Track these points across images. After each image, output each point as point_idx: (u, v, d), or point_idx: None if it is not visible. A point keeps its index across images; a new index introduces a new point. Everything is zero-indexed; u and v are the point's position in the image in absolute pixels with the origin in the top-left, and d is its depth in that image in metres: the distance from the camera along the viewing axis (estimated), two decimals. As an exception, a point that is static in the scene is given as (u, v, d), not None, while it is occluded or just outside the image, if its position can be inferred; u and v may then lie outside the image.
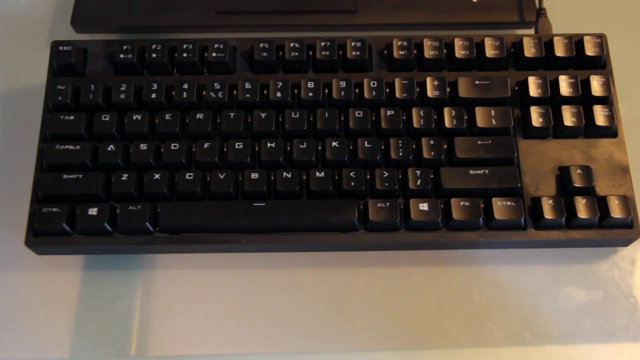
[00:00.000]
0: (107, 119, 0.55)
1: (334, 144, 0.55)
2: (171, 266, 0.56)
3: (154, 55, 0.57)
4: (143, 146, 0.55)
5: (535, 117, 0.56)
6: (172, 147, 0.55)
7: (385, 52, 0.59)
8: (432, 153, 0.55)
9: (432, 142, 0.55)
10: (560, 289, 0.55)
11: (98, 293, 0.55)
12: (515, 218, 0.53)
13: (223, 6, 0.64)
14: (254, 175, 0.54)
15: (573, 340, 0.53)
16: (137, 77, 0.58)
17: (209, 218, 0.53)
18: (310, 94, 0.57)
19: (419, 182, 0.54)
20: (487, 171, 0.54)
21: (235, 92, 0.57)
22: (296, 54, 0.58)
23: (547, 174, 0.55)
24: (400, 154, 0.55)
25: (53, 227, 0.52)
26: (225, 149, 0.55)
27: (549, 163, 0.55)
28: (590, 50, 0.58)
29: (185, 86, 0.57)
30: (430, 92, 0.57)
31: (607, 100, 0.57)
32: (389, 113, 0.56)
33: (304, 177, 0.54)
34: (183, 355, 0.53)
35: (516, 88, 0.58)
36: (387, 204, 0.53)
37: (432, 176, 0.54)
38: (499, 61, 0.58)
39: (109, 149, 0.55)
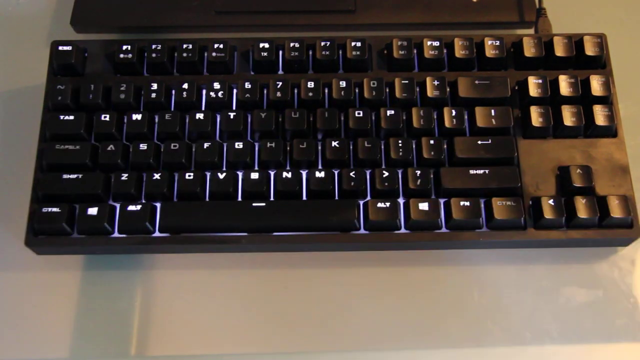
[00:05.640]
0: (107, 119, 0.55)
1: (334, 144, 0.55)
2: (171, 266, 0.56)
3: (153, 55, 0.57)
4: (143, 146, 0.55)
5: (535, 117, 0.56)
6: (172, 147, 0.55)
7: (385, 52, 0.59)
8: (432, 153, 0.55)
9: (432, 142, 0.55)
10: (560, 289, 0.55)
11: (98, 293, 0.55)
12: (515, 218, 0.53)
13: (223, 6, 0.64)
14: (254, 175, 0.54)
15: (573, 340, 0.53)
16: (136, 77, 0.58)
17: (209, 218, 0.53)
18: (310, 94, 0.57)
19: (419, 182, 0.54)
20: (487, 171, 0.54)
21: (235, 92, 0.57)
22: (296, 53, 0.58)
23: (547, 173, 0.55)
24: (400, 153, 0.55)
25: (53, 227, 0.52)
26: (225, 149, 0.55)
27: (549, 163, 0.55)
28: (590, 50, 0.58)
29: (185, 86, 0.57)
30: (430, 92, 0.57)
31: (607, 100, 0.57)
32: (389, 113, 0.56)
33: (304, 177, 0.54)
34: (183, 355, 0.53)
35: (516, 88, 0.58)
36: (387, 203, 0.53)
37: (432, 176, 0.54)
38: (499, 61, 0.58)
39: (108, 149, 0.55)
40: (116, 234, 0.53)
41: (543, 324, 0.54)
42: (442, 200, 0.54)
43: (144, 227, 0.53)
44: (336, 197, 0.54)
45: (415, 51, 0.58)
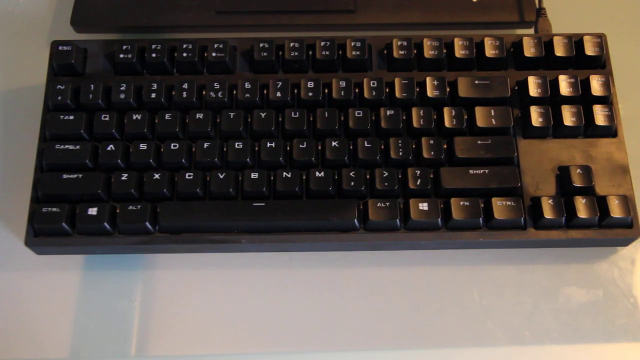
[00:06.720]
0: (107, 119, 0.55)
1: (334, 144, 0.55)
2: (171, 266, 0.56)
3: (153, 55, 0.57)
4: (143, 146, 0.55)
5: (535, 116, 0.56)
6: (172, 147, 0.55)
7: (385, 52, 0.59)
8: (432, 153, 0.55)
9: (432, 142, 0.55)
10: (560, 289, 0.55)
11: (98, 293, 0.55)
12: (515, 218, 0.53)
13: (223, 6, 0.64)
14: (254, 175, 0.54)
15: (573, 340, 0.53)
16: (137, 77, 0.58)
17: (209, 218, 0.53)
18: (310, 94, 0.57)
19: (418, 182, 0.54)
20: (487, 171, 0.54)
21: (235, 92, 0.57)
22: (296, 53, 0.58)
23: (547, 173, 0.55)
24: (400, 153, 0.55)
25: (53, 227, 0.52)
26: (225, 149, 0.55)
27: (548, 163, 0.55)
28: (590, 50, 0.58)
29: (185, 86, 0.57)
30: (430, 92, 0.57)
31: (607, 100, 0.57)
32: (388, 113, 0.56)
33: (304, 177, 0.54)
34: (183, 355, 0.53)
35: (516, 88, 0.58)
36: (387, 203, 0.53)
37: (432, 176, 0.54)
38: (498, 61, 0.58)
39: (108, 149, 0.55)
40: (116, 234, 0.53)
41: (543, 324, 0.54)
42: (441, 201, 0.54)
43: (144, 227, 0.53)
44: (336, 197, 0.54)
45: (415, 51, 0.58)
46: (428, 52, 0.58)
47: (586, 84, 0.57)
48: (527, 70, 0.58)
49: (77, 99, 0.57)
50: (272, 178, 0.54)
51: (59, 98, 0.56)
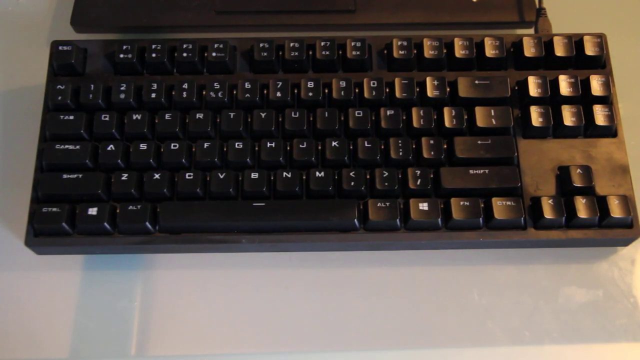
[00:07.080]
0: (107, 118, 0.55)
1: (334, 144, 0.55)
2: (171, 266, 0.56)
3: (153, 55, 0.57)
4: (143, 146, 0.55)
5: (535, 116, 0.56)
6: (172, 147, 0.55)
7: (385, 52, 0.59)
8: (432, 153, 0.55)
9: (432, 142, 0.55)
10: (560, 289, 0.55)
11: (98, 293, 0.55)
12: (515, 218, 0.53)
13: (223, 6, 0.64)
14: (254, 175, 0.54)
15: (573, 340, 0.53)
16: (137, 77, 0.58)
17: (209, 218, 0.53)
18: (310, 94, 0.57)
19: (418, 182, 0.54)
20: (487, 171, 0.54)
21: (235, 92, 0.57)
22: (296, 53, 0.58)
23: (547, 173, 0.55)
24: (400, 153, 0.55)
25: (53, 227, 0.52)
26: (225, 149, 0.55)
27: (549, 163, 0.55)
28: (590, 50, 0.58)
29: (185, 86, 0.57)
30: (430, 92, 0.57)
31: (607, 100, 0.57)
32: (388, 113, 0.56)
33: (304, 177, 0.54)
34: (183, 355, 0.53)
35: (516, 88, 0.58)
36: (387, 203, 0.53)
37: (432, 176, 0.54)
38: (498, 61, 0.58)
39: (108, 149, 0.55)
40: (116, 234, 0.53)
41: (543, 324, 0.54)
42: (441, 201, 0.54)
43: (144, 227, 0.53)
44: (336, 197, 0.54)
45: (415, 51, 0.58)
46: (428, 52, 0.58)
47: (586, 84, 0.57)
48: (527, 70, 0.58)
49: (77, 99, 0.57)
50: (272, 178, 0.54)
51: (59, 98, 0.56)
